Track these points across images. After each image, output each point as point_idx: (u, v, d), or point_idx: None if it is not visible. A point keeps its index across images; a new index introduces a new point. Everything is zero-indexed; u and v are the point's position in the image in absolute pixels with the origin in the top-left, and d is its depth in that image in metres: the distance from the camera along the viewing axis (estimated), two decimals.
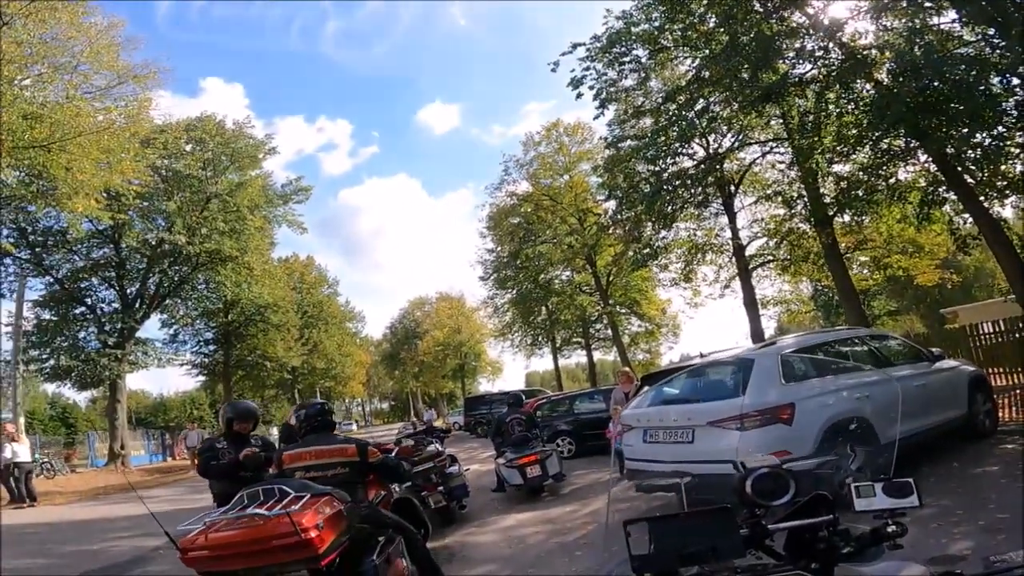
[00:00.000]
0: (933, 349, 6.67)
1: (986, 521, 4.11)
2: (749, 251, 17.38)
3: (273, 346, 29.30)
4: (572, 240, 25.62)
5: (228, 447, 4.54)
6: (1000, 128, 8.98)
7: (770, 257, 17.62)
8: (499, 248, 29.79)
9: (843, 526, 1.16)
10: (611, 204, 17.74)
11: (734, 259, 17.40)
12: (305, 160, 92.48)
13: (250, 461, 4.35)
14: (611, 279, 25.84)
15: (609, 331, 27.79)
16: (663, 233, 17.42)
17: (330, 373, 41.29)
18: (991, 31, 8.62)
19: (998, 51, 8.54)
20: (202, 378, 33.64)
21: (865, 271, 18.41)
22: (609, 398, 9.71)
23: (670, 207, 15.26)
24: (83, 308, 23.40)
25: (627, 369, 10.12)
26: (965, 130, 8.86)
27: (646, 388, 6.39)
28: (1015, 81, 8.91)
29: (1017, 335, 10.67)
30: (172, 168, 22.50)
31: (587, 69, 13.89)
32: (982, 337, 11.42)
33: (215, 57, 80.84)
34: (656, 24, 12.98)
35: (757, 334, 16.28)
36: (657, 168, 14.47)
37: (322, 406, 4.08)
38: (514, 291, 29.76)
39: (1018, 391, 9.65)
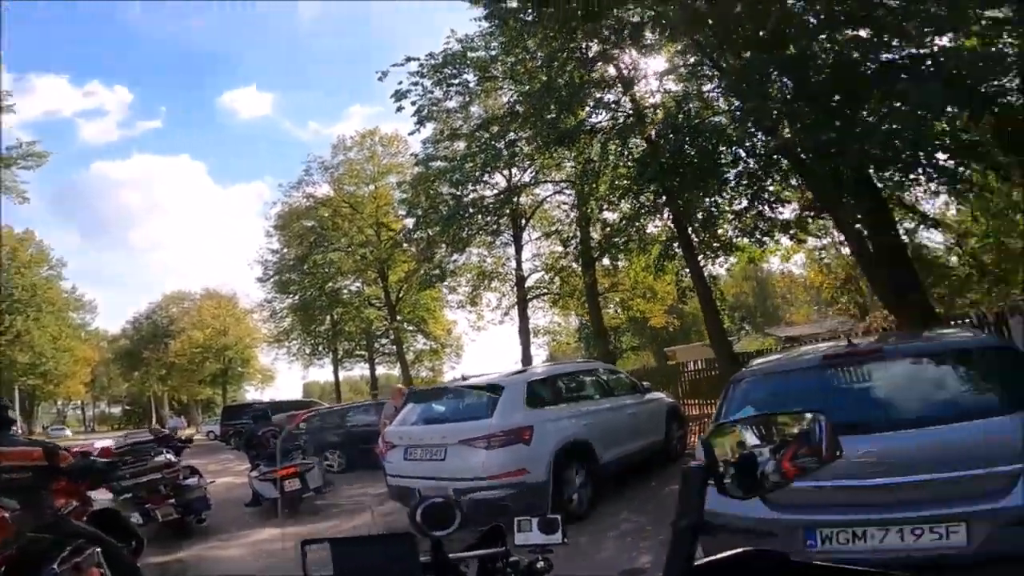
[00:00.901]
0: (644, 382, 8.06)
1: (665, 536, 4.96)
2: (528, 283, 19.03)
3: None
4: (366, 252, 25.04)
5: None
6: (719, 196, 10.62)
7: (545, 290, 19.50)
8: (286, 250, 27.79)
9: (514, 557, 1.24)
10: (410, 221, 17.80)
11: (515, 288, 18.86)
12: (57, 123, 73.00)
13: None
14: (401, 295, 25.81)
15: (395, 346, 27.66)
16: (455, 256, 18.10)
17: (38, 369, 33.02)
18: (737, 103, 9.65)
19: (736, 123, 9.71)
20: None
21: (616, 310, 21.48)
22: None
23: (465, 232, 15.87)
24: None
25: (400, 385, 10.16)
26: (694, 193, 10.26)
27: (411, 406, 6.53)
28: (741, 153, 10.33)
29: (711, 373, 13.39)
30: None
31: (415, 84, 13.92)
32: (687, 373, 14.11)
33: None
34: (492, 53, 13.47)
35: (528, 360, 17.75)
36: (459, 192, 14.94)
37: None
38: (297, 296, 27.81)
39: (705, 420, 12.07)
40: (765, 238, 11.22)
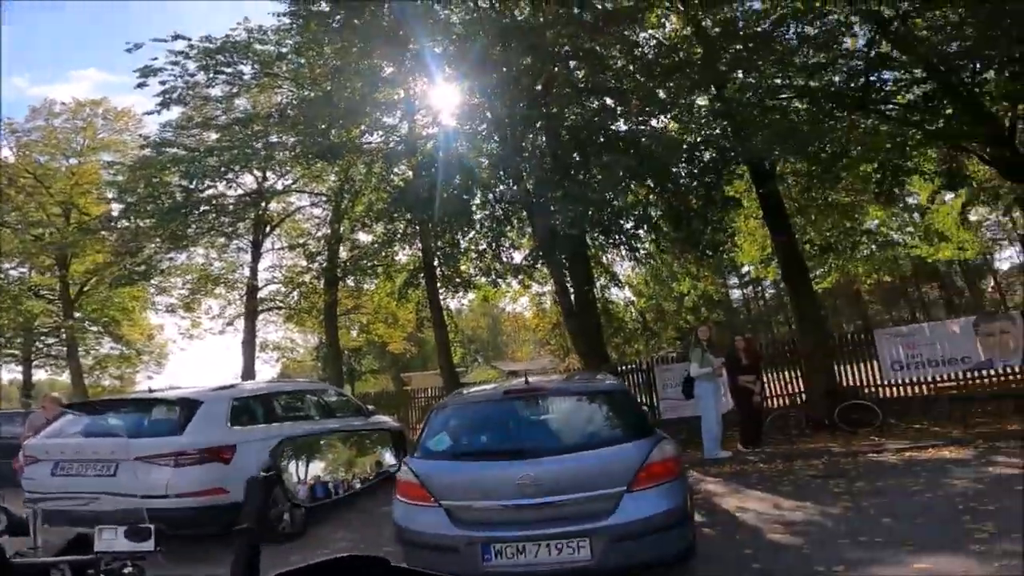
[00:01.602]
0: (369, 406, 8.11)
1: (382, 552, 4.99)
2: (262, 294, 17.39)
3: None
4: (45, 233, 19.78)
5: None
6: (465, 235, 11.15)
7: (280, 304, 18.08)
8: None
9: (112, 565, 1.21)
10: (117, 207, 14.88)
11: (246, 298, 17.05)
12: None
13: None
14: (87, 289, 20.93)
15: (66, 348, 21.99)
16: (173, 254, 15.69)
17: None
18: (498, 149, 10.17)
19: (492, 168, 10.24)
20: None
21: (358, 333, 21.07)
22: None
23: (192, 229, 13.92)
24: None
25: (56, 394, 8.25)
26: (444, 228, 10.67)
27: (70, 417, 5.61)
28: (491, 197, 10.99)
29: (440, 399, 14.16)
30: None
31: (175, 63, 11.71)
32: (419, 399, 14.69)
33: None
34: (283, 51, 12.16)
35: (250, 375, 16.09)
36: (192, 186, 13.00)
37: None
38: None
39: None
40: (499, 279, 12.19)
